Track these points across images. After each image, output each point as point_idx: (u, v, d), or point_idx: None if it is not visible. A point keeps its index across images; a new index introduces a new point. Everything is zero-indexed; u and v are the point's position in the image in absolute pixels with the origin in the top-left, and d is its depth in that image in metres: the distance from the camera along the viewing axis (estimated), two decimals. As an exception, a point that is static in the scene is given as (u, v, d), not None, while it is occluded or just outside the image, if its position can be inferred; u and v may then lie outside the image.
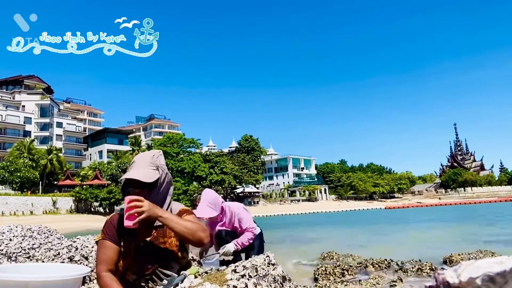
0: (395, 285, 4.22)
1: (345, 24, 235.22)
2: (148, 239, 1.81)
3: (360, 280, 4.56)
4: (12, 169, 42.20)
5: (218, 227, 3.52)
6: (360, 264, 5.38)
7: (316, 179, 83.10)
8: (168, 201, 1.90)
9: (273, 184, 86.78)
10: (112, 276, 1.73)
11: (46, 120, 63.57)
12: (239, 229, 3.53)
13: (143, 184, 1.78)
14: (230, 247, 3.33)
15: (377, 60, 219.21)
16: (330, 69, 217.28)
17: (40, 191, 44.64)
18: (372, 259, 5.56)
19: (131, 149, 60.23)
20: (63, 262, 3.14)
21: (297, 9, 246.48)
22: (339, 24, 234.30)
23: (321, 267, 5.02)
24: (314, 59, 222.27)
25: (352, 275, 4.79)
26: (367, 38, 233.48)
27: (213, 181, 54.43)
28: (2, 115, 58.42)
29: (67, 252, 3.27)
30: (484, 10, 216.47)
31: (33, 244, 3.21)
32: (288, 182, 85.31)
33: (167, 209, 1.87)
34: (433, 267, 5.00)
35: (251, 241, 3.47)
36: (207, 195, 3.44)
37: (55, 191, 46.59)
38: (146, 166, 1.84)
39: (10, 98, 64.78)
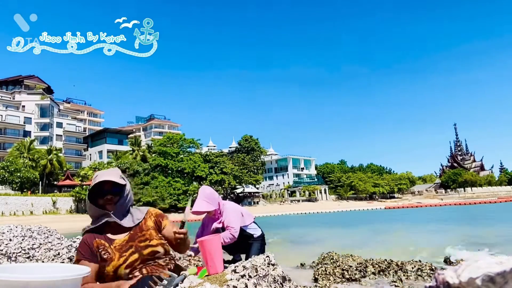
0: (395, 285, 4.22)
1: (344, 25, 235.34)
2: (128, 242, 1.94)
3: (360, 280, 4.56)
4: (12, 169, 42.21)
5: (215, 224, 3.51)
6: (360, 264, 5.38)
7: (316, 179, 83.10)
8: (129, 208, 2.08)
9: (273, 184, 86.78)
10: (93, 284, 1.86)
11: (46, 120, 63.58)
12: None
13: (117, 189, 1.98)
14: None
15: (377, 60, 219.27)
16: (330, 69, 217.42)
17: (40, 191, 44.63)
18: (372, 259, 5.56)
19: (131, 149, 60.26)
20: (63, 262, 3.14)
21: (295, 11, 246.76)
22: (337, 25, 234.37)
23: (321, 267, 5.03)
24: (314, 60, 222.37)
25: (352, 275, 4.78)
26: (367, 39, 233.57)
27: (213, 181, 54.41)
28: (2, 115, 58.42)
29: (67, 252, 3.27)
30: (485, 10, 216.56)
31: (33, 244, 3.21)
32: (288, 182, 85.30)
33: (130, 216, 2.03)
34: (433, 267, 5.00)
35: (228, 242, 3.40)
36: (203, 190, 3.48)
37: (55, 191, 46.61)
38: (114, 175, 1.99)
39: (10, 98, 64.79)
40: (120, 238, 1.95)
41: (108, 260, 1.89)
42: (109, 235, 1.96)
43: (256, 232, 3.70)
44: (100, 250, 1.91)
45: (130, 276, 1.86)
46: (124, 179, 2.05)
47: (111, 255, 1.89)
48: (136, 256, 1.89)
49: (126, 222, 1.98)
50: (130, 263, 1.88)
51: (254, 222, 3.79)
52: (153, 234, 1.99)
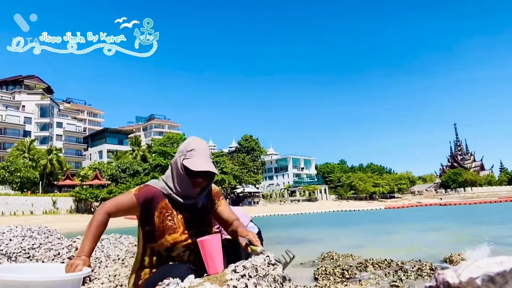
0: (395, 285, 4.22)
1: (343, 25, 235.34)
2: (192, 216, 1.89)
3: (360, 280, 4.56)
4: (12, 169, 42.20)
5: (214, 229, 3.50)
6: (360, 264, 5.38)
7: (316, 179, 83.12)
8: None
9: (273, 184, 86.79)
10: (104, 221, 1.75)
11: (46, 120, 63.58)
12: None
13: (213, 177, 1.90)
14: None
15: (378, 60, 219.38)
16: (330, 69, 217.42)
17: (40, 191, 44.63)
18: (372, 259, 5.56)
19: (131, 149, 60.24)
20: (63, 262, 3.14)
21: (294, 11, 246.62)
22: (337, 24, 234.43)
23: (321, 267, 5.03)
24: (314, 60, 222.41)
25: (352, 275, 4.79)
26: (367, 39, 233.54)
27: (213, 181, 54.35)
28: (2, 115, 58.42)
29: (67, 252, 3.26)
30: (485, 8, 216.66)
31: (33, 244, 3.21)
32: (288, 182, 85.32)
33: (208, 191, 1.99)
34: (433, 267, 5.00)
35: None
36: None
37: (55, 191, 46.60)
38: (209, 158, 1.90)
39: (10, 98, 64.78)
40: (187, 213, 1.87)
41: (169, 229, 1.80)
42: (177, 205, 1.85)
43: (253, 230, 3.72)
44: (165, 214, 1.82)
45: (181, 254, 1.82)
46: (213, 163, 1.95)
47: (175, 226, 1.81)
48: (195, 239, 1.81)
49: (200, 204, 1.91)
50: (188, 244, 1.82)
51: (251, 221, 3.82)
52: (210, 220, 1.97)
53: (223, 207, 2.02)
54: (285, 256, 4.08)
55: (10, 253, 3.03)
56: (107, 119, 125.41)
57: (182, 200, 1.84)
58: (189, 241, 1.83)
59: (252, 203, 63.36)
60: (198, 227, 1.88)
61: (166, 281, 1.59)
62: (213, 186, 2.03)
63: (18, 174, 42.12)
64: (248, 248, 1.72)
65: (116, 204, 1.79)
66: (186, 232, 1.83)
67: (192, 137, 1.96)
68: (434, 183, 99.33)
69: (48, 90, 72.03)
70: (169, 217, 1.82)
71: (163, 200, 1.83)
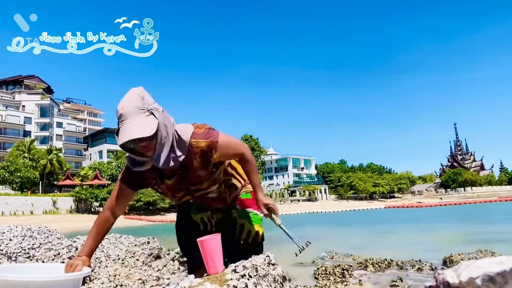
0: (395, 285, 4.22)
1: (343, 24, 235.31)
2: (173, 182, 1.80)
3: (360, 280, 4.56)
4: (12, 169, 42.23)
5: None
6: (360, 264, 5.39)
7: (316, 179, 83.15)
8: (173, 135, 1.62)
9: (273, 184, 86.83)
10: (106, 218, 1.77)
11: (46, 120, 63.62)
12: None
13: (145, 138, 1.54)
14: None
15: (377, 60, 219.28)
16: (330, 69, 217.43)
17: (40, 191, 44.66)
18: (372, 259, 5.56)
19: (131, 149, 60.24)
20: (63, 262, 3.14)
21: (293, 10, 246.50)
22: (337, 24, 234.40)
23: (321, 267, 5.02)
24: (314, 60, 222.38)
25: (352, 275, 4.79)
26: (367, 39, 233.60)
27: (213, 181, 54.34)
28: (2, 115, 58.48)
29: (67, 252, 3.26)
30: (487, 9, 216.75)
31: (33, 244, 3.21)
32: (288, 182, 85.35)
33: (176, 141, 1.63)
34: (433, 267, 5.00)
35: None
36: None
37: (55, 191, 46.63)
38: (140, 113, 1.55)
39: (10, 98, 64.85)
40: (169, 180, 1.77)
41: (162, 194, 1.88)
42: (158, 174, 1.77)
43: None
44: (151, 183, 1.80)
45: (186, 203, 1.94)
46: (153, 113, 1.56)
47: (163, 192, 1.85)
48: (188, 197, 1.87)
49: (168, 163, 1.60)
50: (184, 200, 1.89)
51: None
52: (202, 176, 1.77)
53: (223, 157, 1.78)
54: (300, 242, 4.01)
55: (10, 253, 3.03)
56: (107, 119, 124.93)
57: (143, 169, 1.65)
58: (184, 199, 1.88)
59: (252, 203, 63.27)
60: (186, 187, 1.82)
61: (166, 281, 1.59)
62: (200, 143, 1.67)
63: (18, 174, 42.15)
64: (268, 217, 1.93)
65: (113, 198, 1.81)
66: (177, 195, 1.86)
67: (123, 98, 1.61)
68: (434, 183, 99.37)
69: (48, 90, 72.09)
70: (155, 186, 1.82)
71: (141, 173, 1.73)
